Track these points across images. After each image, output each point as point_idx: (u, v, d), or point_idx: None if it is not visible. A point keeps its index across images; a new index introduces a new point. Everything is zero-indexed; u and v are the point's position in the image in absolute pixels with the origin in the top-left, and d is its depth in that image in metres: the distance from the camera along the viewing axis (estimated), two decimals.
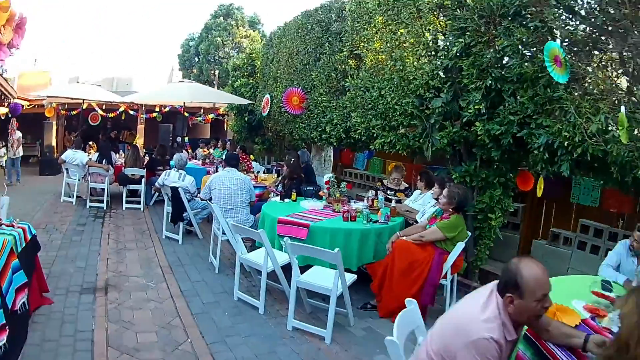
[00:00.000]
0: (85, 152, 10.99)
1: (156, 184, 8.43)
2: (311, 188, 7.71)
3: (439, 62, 5.62)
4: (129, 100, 12.28)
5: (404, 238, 4.86)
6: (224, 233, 5.86)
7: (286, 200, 6.89)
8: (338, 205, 6.13)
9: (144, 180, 9.98)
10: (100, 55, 58.63)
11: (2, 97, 11.07)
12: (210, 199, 6.78)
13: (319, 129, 9.23)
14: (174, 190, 7.64)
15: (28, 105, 16.15)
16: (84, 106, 15.40)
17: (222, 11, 29.17)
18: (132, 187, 10.23)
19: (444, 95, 5.46)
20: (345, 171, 11.74)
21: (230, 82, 14.26)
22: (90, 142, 11.75)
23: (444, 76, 5.59)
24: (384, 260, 4.87)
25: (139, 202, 10.09)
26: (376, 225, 5.37)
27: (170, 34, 65.41)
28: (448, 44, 5.50)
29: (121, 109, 16.10)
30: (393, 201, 6.76)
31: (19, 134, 12.18)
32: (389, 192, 7.02)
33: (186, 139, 15.88)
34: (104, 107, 15.77)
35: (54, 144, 15.08)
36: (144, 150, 12.49)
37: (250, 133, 14.09)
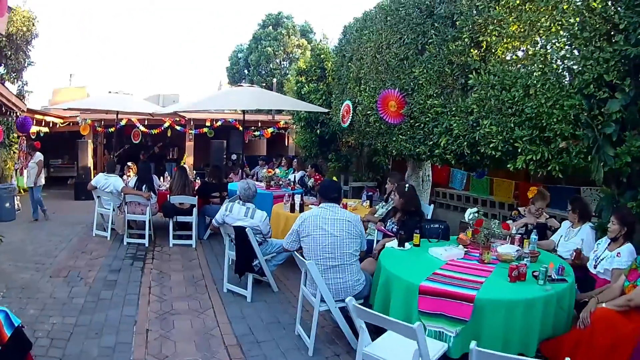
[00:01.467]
0: (123, 175, 8.90)
1: (213, 222, 6.10)
2: (437, 225, 5.33)
3: (616, 49, 4.14)
4: (174, 110, 10.09)
5: (605, 305, 3.55)
6: (322, 300, 4.04)
7: (407, 245, 4.72)
8: (488, 255, 4.25)
9: (195, 210, 7.72)
10: (143, 71, 58.45)
11: (6, 110, 9.06)
12: (299, 250, 4.47)
13: (429, 142, 6.71)
14: (240, 231, 5.33)
15: (62, 123, 14.48)
16: (123, 122, 13.53)
17: (270, 20, 27.63)
18: (181, 218, 8.02)
19: (621, 96, 4.17)
20: (437, 191, 9.91)
21: (295, 88, 11.92)
22: (129, 163, 9.63)
23: (622, 69, 4.17)
24: (571, 336, 3.54)
25: (189, 237, 8.00)
26: (557, 285, 3.69)
27: (216, 46, 64.42)
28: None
29: (166, 124, 14.17)
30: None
31: (39, 156, 9.82)
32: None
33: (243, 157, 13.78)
34: (145, 123, 13.77)
35: (90, 164, 13.17)
36: (194, 172, 10.19)
37: (321, 148, 11.67)
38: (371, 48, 8.18)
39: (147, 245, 7.77)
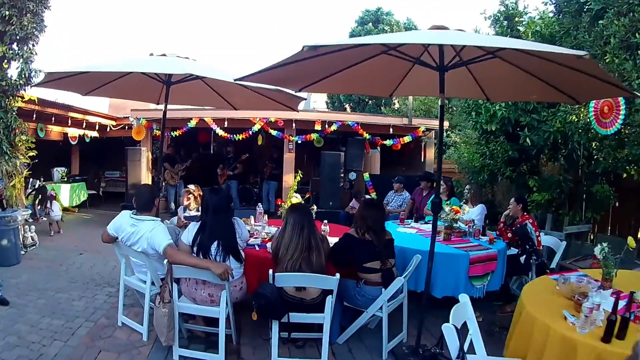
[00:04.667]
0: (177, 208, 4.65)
1: None
2: None
3: None
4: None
5: None
6: None
7: None
8: None
9: (330, 300, 3.24)
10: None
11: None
12: None
13: None
14: None
15: (114, 126, 10.62)
16: (192, 122, 9.36)
17: (369, 17, 23.73)
18: (297, 318, 3.45)
19: None
20: None
21: None
22: (192, 187, 5.40)
23: None
24: None
25: (313, 343, 3.93)
26: None
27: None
28: None
29: (256, 127, 9.75)
30: None
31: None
32: None
33: (366, 175, 9.09)
34: (225, 125, 9.56)
35: (144, 180, 9.13)
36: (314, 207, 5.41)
37: (516, 168, 6.82)
38: None
39: None
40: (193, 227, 3.59)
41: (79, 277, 5.72)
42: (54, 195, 8.67)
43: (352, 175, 9.54)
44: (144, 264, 3.69)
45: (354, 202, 8.47)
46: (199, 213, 4.42)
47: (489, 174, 7.53)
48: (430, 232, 3.73)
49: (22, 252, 6.58)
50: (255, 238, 4.45)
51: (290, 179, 9.65)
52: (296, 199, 5.06)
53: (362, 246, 3.81)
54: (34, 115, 7.92)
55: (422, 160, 10.45)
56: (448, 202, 6.45)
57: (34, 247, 6.93)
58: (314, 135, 9.56)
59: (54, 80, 4.28)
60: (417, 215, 6.52)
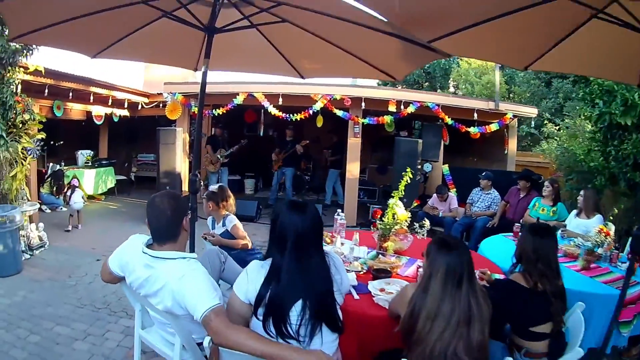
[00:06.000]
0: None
1: None
2: None
3: None
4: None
5: None
6: None
7: None
8: None
9: None
10: None
11: None
12: None
13: None
14: None
15: (146, 103, 9.24)
16: (239, 98, 7.76)
17: None
18: None
19: None
20: None
21: None
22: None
23: None
24: None
25: None
26: None
27: None
28: None
29: (317, 106, 7.67)
30: None
31: None
32: None
33: (445, 167, 7.42)
34: (280, 102, 7.67)
35: (181, 169, 7.59)
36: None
37: None
38: None
39: None
40: (256, 270, 1.98)
41: (89, 298, 4.25)
42: (77, 182, 7.37)
43: (428, 167, 7.80)
44: (164, 320, 2.16)
45: (434, 199, 6.88)
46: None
47: (609, 178, 5.69)
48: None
49: (27, 257, 5.24)
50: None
51: (354, 168, 7.98)
52: (399, 208, 3.44)
53: (532, 301, 2.43)
54: (46, 91, 6.48)
55: (505, 152, 8.59)
56: (554, 208, 5.36)
57: (42, 248, 5.58)
58: (387, 118, 7.72)
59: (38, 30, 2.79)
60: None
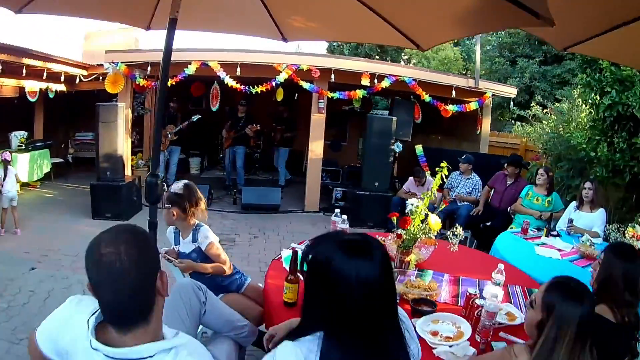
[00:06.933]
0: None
1: None
2: None
3: None
4: None
5: None
6: None
7: None
8: None
9: None
10: None
11: None
12: None
13: None
14: None
15: (85, 76, 8.18)
16: (191, 67, 6.75)
17: None
18: None
19: None
20: None
21: None
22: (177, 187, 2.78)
23: None
24: None
25: None
26: None
27: None
28: None
29: (281, 77, 6.84)
30: None
31: None
32: None
33: (419, 148, 6.96)
34: (238, 73, 6.68)
35: (123, 152, 6.63)
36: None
37: None
38: None
39: None
40: None
41: (27, 327, 3.38)
42: (9, 157, 5.81)
43: (398, 147, 7.18)
44: None
45: (410, 182, 6.31)
46: None
47: (612, 171, 5.28)
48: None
49: None
50: None
51: (318, 147, 7.29)
52: (433, 218, 2.72)
53: (619, 337, 1.92)
54: None
55: (477, 132, 8.13)
56: (549, 198, 4.95)
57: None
58: (359, 92, 7.00)
59: None
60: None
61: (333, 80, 6.77)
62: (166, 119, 7.72)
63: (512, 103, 9.23)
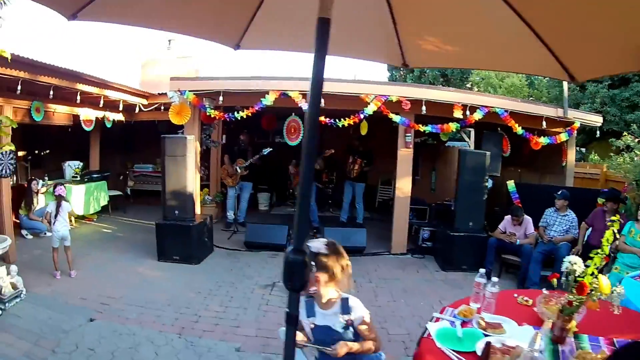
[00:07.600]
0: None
1: None
2: None
3: None
4: None
5: None
6: None
7: None
8: None
9: None
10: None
11: None
12: None
13: None
14: None
15: (145, 106, 7.91)
16: (269, 98, 6.21)
17: None
18: None
19: None
20: None
21: None
22: None
23: None
24: None
25: None
26: None
27: None
28: None
29: (369, 109, 6.20)
30: None
31: None
32: None
33: (511, 184, 6.37)
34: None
35: (193, 188, 6.05)
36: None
37: None
38: None
39: None
40: None
41: None
42: (63, 191, 5.27)
43: (489, 183, 6.57)
44: None
45: (507, 221, 5.76)
46: None
47: None
48: None
49: None
50: None
51: (406, 185, 6.63)
52: (604, 279, 2.18)
53: None
54: (20, 87, 4.95)
55: (563, 164, 7.38)
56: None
57: (18, 299, 4.19)
58: (452, 125, 6.37)
59: None
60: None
61: (424, 112, 6.14)
62: (236, 153, 7.38)
63: (598, 132, 8.44)
